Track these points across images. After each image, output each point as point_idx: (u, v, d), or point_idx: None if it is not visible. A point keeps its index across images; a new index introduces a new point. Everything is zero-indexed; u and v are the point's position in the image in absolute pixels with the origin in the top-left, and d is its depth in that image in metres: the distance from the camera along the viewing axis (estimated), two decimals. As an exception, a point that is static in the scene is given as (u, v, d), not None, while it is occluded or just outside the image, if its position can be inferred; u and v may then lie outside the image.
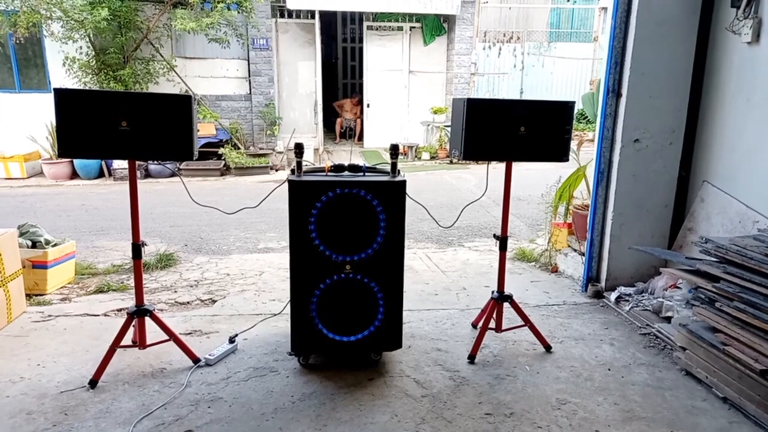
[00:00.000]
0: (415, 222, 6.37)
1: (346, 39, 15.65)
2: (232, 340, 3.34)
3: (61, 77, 10.17)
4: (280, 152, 11.51)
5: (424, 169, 11.40)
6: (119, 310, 3.90)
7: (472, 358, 3.24)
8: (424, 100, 13.12)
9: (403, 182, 2.92)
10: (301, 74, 12.55)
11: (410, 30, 12.95)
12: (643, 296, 4.07)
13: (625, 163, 4.04)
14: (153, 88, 10.73)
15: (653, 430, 2.63)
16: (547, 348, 3.40)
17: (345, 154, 12.36)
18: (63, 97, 2.68)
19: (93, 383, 2.88)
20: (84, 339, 3.44)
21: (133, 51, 10.54)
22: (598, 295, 4.25)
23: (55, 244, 4.33)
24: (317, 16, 11.98)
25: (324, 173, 2.99)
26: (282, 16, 12.08)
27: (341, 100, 14.19)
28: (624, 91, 3.95)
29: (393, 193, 2.90)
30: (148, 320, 3.09)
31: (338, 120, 13.85)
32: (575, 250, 4.76)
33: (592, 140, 4.54)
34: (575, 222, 4.84)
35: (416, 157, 12.57)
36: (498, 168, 3.45)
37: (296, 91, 12.65)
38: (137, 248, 3.00)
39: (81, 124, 2.69)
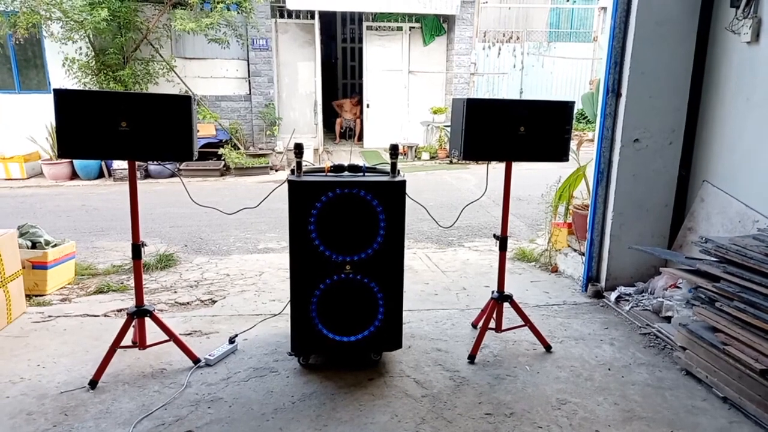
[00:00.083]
0: (415, 222, 6.37)
1: (346, 39, 15.65)
2: (232, 341, 3.34)
3: (61, 78, 10.17)
4: (280, 152, 11.52)
5: (423, 169, 11.40)
6: (119, 310, 3.90)
7: (472, 358, 3.24)
8: (424, 100, 13.12)
9: (403, 182, 2.92)
10: (300, 74, 12.55)
11: (410, 30, 12.95)
12: (643, 296, 4.07)
13: (624, 163, 4.04)
14: (153, 89, 10.74)
15: (653, 429, 2.63)
16: (547, 348, 3.40)
17: (345, 155, 12.36)
18: (63, 97, 2.68)
19: (93, 384, 2.88)
20: (84, 339, 3.44)
21: (132, 51, 10.53)
22: (598, 294, 4.25)
23: (55, 245, 4.33)
24: (317, 16, 11.98)
25: (324, 173, 2.99)
26: (282, 16, 12.08)
27: (341, 100, 14.19)
28: (624, 90, 3.95)
29: (393, 193, 2.90)
30: (148, 321, 3.09)
31: (338, 120, 13.85)
32: (575, 250, 4.76)
33: (592, 140, 4.54)
34: (575, 222, 4.84)
35: (416, 157, 12.57)
36: (498, 168, 3.45)
37: (296, 92, 12.65)
38: (137, 249, 3.00)
39: (81, 124, 2.69)
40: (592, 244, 4.28)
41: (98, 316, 3.82)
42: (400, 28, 12.91)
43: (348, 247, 2.94)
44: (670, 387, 3.00)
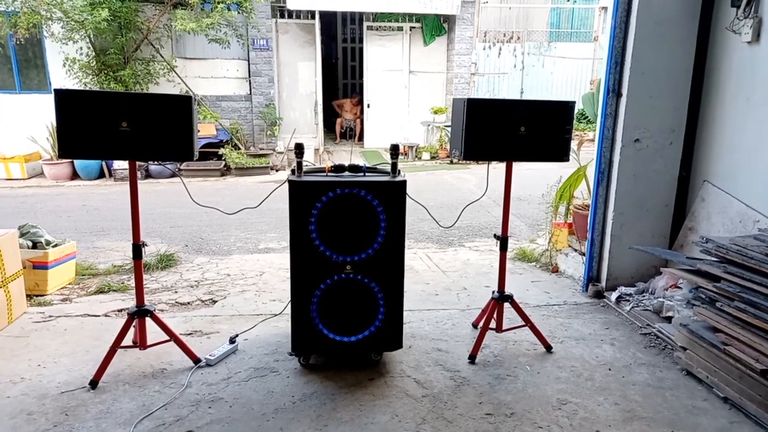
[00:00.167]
0: (416, 222, 6.37)
1: (346, 39, 15.65)
2: (232, 341, 3.34)
3: (62, 78, 10.18)
4: (281, 152, 11.52)
5: (424, 169, 11.40)
6: (120, 310, 3.90)
7: (472, 358, 3.24)
8: (425, 100, 13.12)
9: (404, 182, 2.92)
10: (301, 74, 12.55)
11: (410, 30, 12.95)
12: (643, 296, 4.07)
13: (625, 163, 4.04)
14: (153, 89, 10.74)
15: (654, 430, 2.62)
16: (548, 348, 3.40)
17: (345, 155, 12.36)
18: (63, 97, 2.68)
19: (93, 384, 2.88)
20: (84, 339, 3.44)
21: (133, 51, 10.54)
22: (599, 295, 4.24)
23: (56, 245, 4.33)
24: (317, 16, 11.98)
25: (324, 173, 2.99)
26: (282, 16, 12.09)
27: (341, 100, 14.19)
28: (624, 90, 3.95)
29: (393, 194, 2.90)
30: (148, 321, 3.09)
31: (338, 120, 13.85)
32: (576, 250, 4.76)
33: (593, 140, 4.54)
34: (576, 222, 4.84)
35: (416, 157, 12.57)
36: (498, 168, 3.45)
37: (296, 92, 12.65)
38: (138, 249, 3.00)
39: (81, 124, 2.69)
40: (593, 244, 4.28)
41: (99, 316, 3.82)
42: (400, 28, 12.91)
43: (348, 247, 2.94)
44: (671, 387, 3.00)
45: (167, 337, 3.13)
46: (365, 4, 12.07)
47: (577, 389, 2.97)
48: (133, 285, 3.27)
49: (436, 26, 12.94)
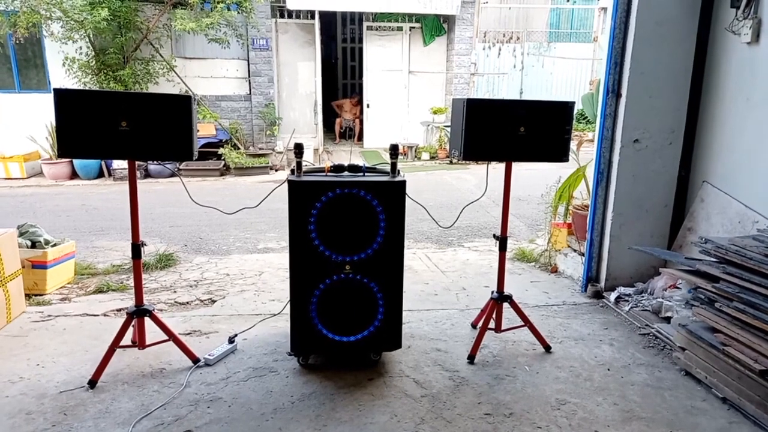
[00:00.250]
0: (415, 222, 6.37)
1: (346, 39, 15.66)
2: (231, 341, 3.34)
3: (61, 77, 10.17)
4: (280, 152, 11.52)
5: (423, 170, 11.40)
6: (119, 310, 3.90)
7: (471, 359, 3.24)
8: (424, 101, 13.12)
9: (403, 182, 2.92)
10: (300, 74, 12.55)
11: (410, 30, 12.96)
12: (642, 296, 4.07)
13: (624, 163, 4.04)
14: (153, 89, 10.73)
15: (653, 430, 2.63)
16: (547, 348, 3.40)
17: (345, 155, 12.36)
18: (63, 97, 2.68)
19: (92, 383, 2.88)
20: (83, 339, 3.44)
21: (132, 51, 10.54)
22: (598, 295, 4.25)
23: (55, 244, 4.33)
24: (317, 16, 11.98)
25: (324, 173, 2.99)
26: (282, 16, 12.09)
27: (340, 100, 14.20)
28: (624, 91, 3.95)
29: (393, 194, 2.90)
30: (147, 320, 3.09)
31: (337, 120, 13.85)
32: (575, 251, 4.76)
33: (592, 140, 4.55)
34: (575, 222, 4.84)
35: (416, 157, 12.58)
36: (498, 168, 3.45)
37: (296, 92, 12.65)
38: (137, 248, 3.00)
39: (81, 124, 2.69)
40: (592, 245, 4.28)
41: (98, 315, 3.82)
42: (400, 28, 12.91)
43: (348, 247, 2.94)
44: (670, 387, 3.00)
45: (166, 337, 3.13)
46: (365, 4, 12.08)
47: (575, 389, 2.97)
48: (132, 284, 3.27)
49: (436, 26, 12.94)
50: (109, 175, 10.04)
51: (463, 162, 11.21)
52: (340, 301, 3.00)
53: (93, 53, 10.23)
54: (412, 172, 10.63)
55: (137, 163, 3.05)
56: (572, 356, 3.34)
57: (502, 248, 3.37)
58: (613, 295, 4.12)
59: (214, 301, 4.16)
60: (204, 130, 10.70)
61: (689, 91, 4.02)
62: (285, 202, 2.84)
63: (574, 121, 3.31)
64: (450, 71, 13.04)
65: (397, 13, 12.49)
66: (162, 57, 10.86)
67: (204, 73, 11.75)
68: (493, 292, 3.42)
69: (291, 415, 2.69)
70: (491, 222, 6.86)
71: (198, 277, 4.74)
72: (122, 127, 2.71)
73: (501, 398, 2.87)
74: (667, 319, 3.67)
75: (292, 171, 2.96)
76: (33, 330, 3.56)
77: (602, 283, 4.26)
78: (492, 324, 3.39)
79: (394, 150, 3.05)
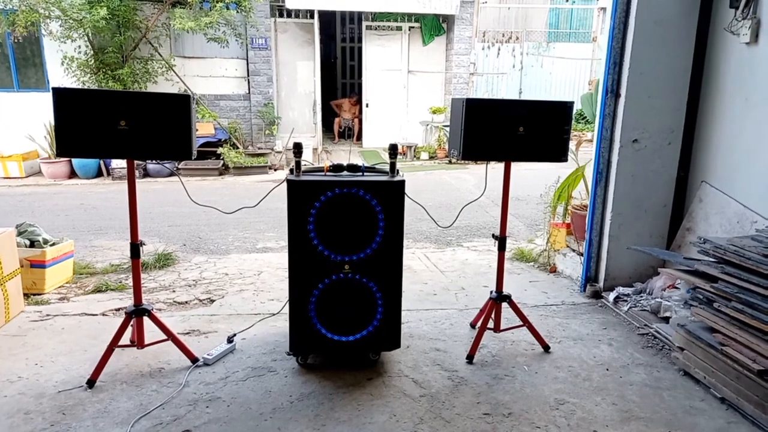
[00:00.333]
0: (414, 222, 6.37)
1: (345, 39, 15.65)
2: (230, 340, 3.34)
3: (60, 76, 10.16)
4: (279, 152, 11.51)
5: (422, 169, 11.40)
6: (117, 309, 3.90)
7: (470, 358, 3.24)
8: (423, 100, 13.13)
9: (402, 182, 2.92)
10: (300, 74, 12.55)
11: (409, 30, 12.95)
12: (641, 296, 4.08)
13: (623, 164, 4.05)
14: (152, 88, 10.73)
15: (651, 430, 2.63)
16: (546, 348, 3.40)
17: (344, 154, 12.36)
18: (62, 96, 2.67)
19: (91, 383, 2.88)
20: (82, 338, 3.44)
21: (131, 50, 10.53)
22: (597, 295, 4.25)
23: (53, 244, 4.32)
24: (316, 15, 11.98)
25: (323, 173, 2.99)
26: (281, 15, 12.08)
27: (339, 100, 14.19)
28: (623, 91, 3.96)
29: (392, 193, 2.90)
30: (146, 320, 3.08)
31: (336, 120, 13.85)
32: (574, 251, 4.77)
33: (591, 140, 4.55)
34: (574, 222, 4.85)
35: (415, 157, 12.57)
36: (497, 168, 3.45)
37: (295, 91, 12.65)
38: (135, 248, 3.00)
39: (80, 123, 2.69)
40: (591, 245, 4.28)
41: (96, 315, 3.82)
42: (399, 28, 12.91)
43: (347, 247, 2.94)
44: (668, 387, 3.00)
45: (165, 337, 3.12)
46: (364, 4, 12.07)
47: (574, 389, 2.97)
48: (131, 284, 3.27)
49: (435, 26, 12.94)
50: (108, 174, 10.03)
51: (462, 162, 11.21)
52: (339, 300, 3.00)
53: (92, 52, 10.22)
54: (411, 172, 10.63)
55: (136, 162, 3.04)
56: (571, 356, 3.34)
57: (501, 248, 3.37)
58: (611, 295, 4.13)
59: (212, 301, 4.15)
60: (203, 129, 10.70)
61: (688, 91, 4.02)
62: (284, 202, 2.83)
63: (573, 121, 3.32)
64: (449, 71, 13.04)
65: (397, 12, 12.49)
66: (161, 56, 10.85)
67: (203, 73, 11.74)
68: (492, 292, 3.42)
69: (290, 414, 2.69)
70: (490, 222, 6.86)
71: (197, 276, 4.74)
72: (121, 127, 2.71)
73: (500, 398, 2.87)
74: (666, 319, 3.68)
75: (291, 170, 2.96)
76: (31, 329, 3.56)
77: (601, 283, 4.27)
78: (491, 324, 3.39)
79: (393, 150, 3.04)
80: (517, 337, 3.53)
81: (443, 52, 13.24)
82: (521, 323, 3.41)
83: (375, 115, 13.19)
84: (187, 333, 3.55)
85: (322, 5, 11.73)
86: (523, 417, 2.71)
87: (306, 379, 3.01)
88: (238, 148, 11.13)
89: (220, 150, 10.60)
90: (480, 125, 3.06)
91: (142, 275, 4.06)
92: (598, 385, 3.01)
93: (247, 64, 11.86)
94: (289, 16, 12.13)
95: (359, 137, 13.53)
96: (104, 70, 10.19)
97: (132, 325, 3.11)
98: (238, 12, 10.61)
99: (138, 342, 3.11)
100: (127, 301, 3.97)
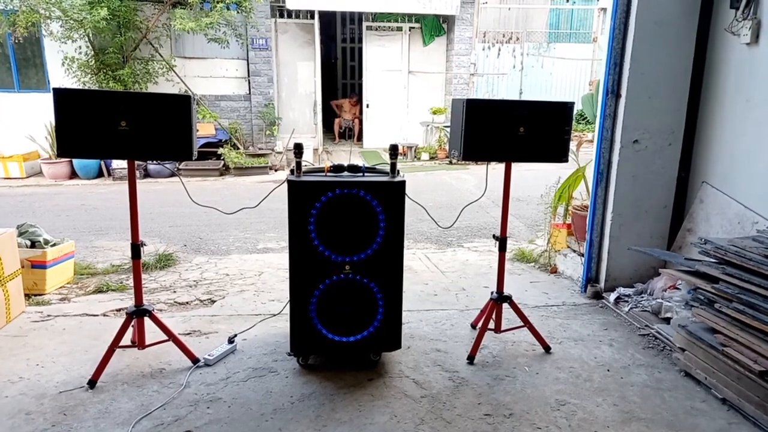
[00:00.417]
0: (415, 222, 6.37)
1: (346, 39, 15.66)
2: (231, 341, 3.34)
3: (60, 77, 10.16)
4: (280, 152, 11.51)
5: (423, 170, 11.40)
6: (118, 310, 3.90)
7: (471, 359, 3.24)
8: (424, 101, 13.13)
9: (403, 182, 2.92)
10: (300, 74, 12.55)
11: (409, 30, 12.96)
12: (642, 297, 4.08)
13: (624, 164, 4.04)
14: (152, 88, 10.73)
15: (652, 431, 2.63)
16: (547, 349, 3.40)
17: (344, 155, 12.36)
18: (62, 96, 2.67)
19: (92, 383, 2.88)
20: (83, 339, 3.44)
21: (132, 51, 10.53)
22: (598, 295, 4.25)
23: (54, 244, 4.32)
24: (317, 16, 11.98)
25: (323, 173, 2.99)
26: (281, 16, 12.08)
27: (339, 100, 14.19)
28: (623, 91, 3.96)
29: (392, 194, 2.90)
30: (147, 320, 3.08)
31: (337, 120, 13.85)
32: (574, 251, 4.77)
33: (592, 141, 4.55)
34: (574, 223, 4.85)
35: (415, 157, 12.58)
36: (497, 168, 3.45)
37: (295, 92, 12.65)
38: (136, 248, 3.00)
39: (80, 123, 2.69)
40: (592, 245, 4.28)
41: (97, 315, 3.82)
42: (399, 29, 12.91)
43: (347, 248, 2.94)
44: (669, 388, 3.00)
45: (166, 337, 3.12)
46: (364, 4, 12.08)
47: (575, 390, 2.97)
48: (132, 284, 3.26)
49: (436, 26, 12.94)
50: (109, 174, 10.04)
51: (463, 162, 11.22)
52: (339, 301, 3.00)
53: (92, 53, 10.22)
54: (412, 173, 10.63)
55: (137, 162, 3.05)
56: (572, 357, 3.34)
57: (502, 249, 3.37)
58: (612, 296, 4.13)
59: (213, 301, 4.15)
60: (203, 129, 10.70)
61: (689, 91, 4.02)
62: (284, 202, 2.83)
63: (573, 122, 3.31)
64: (449, 71, 13.04)
65: (397, 13, 12.49)
66: (161, 57, 10.85)
67: (203, 73, 11.75)
68: (492, 293, 3.42)
69: (291, 415, 2.69)
70: (491, 222, 6.86)
71: (197, 277, 4.74)
72: (122, 127, 2.71)
73: (501, 399, 2.87)
74: (667, 320, 3.68)
75: (292, 171, 2.96)
76: (32, 330, 3.56)
77: (602, 284, 4.27)
78: (492, 324, 3.39)
79: (393, 150, 3.05)
80: (518, 337, 3.53)
81: (443, 53, 13.24)
82: (522, 324, 3.41)
83: (375, 116, 13.19)
84: (188, 333, 3.55)
85: (322, 6, 11.73)
86: (524, 418, 2.71)
87: (307, 379, 3.01)
88: (238, 148, 11.13)
89: (220, 150, 10.61)
90: (480, 126, 3.06)
91: (143, 276, 4.06)
92: (599, 386, 3.01)
93: (248, 64, 11.87)
94: (289, 16, 12.14)
95: (360, 138, 13.53)
96: (105, 70, 10.20)
97: (133, 326, 3.11)
98: (238, 12, 10.61)
99: (139, 342, 3.11)
100: (128, 301, 3.97)
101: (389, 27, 12.88)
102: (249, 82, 11.96)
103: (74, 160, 9.80)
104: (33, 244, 4.24)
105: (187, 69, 11.55)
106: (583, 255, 4.44)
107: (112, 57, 10.19)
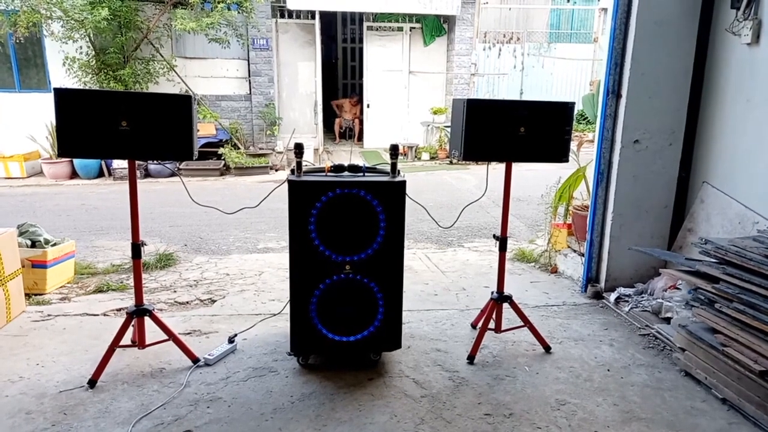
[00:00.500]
0: (415, 222, 6.37)
1: (346, 39, 15.66)
2: (231, 340, 3.34)
3: (61, 77, 10.17)
4: (280, 152, 11.52)
5: (423, 170, 11.40)
6: (118, 309, 3.90)
7: (471, 359, 3.24)
8: (424, 101, 13.13)
9: (403, 182, 2.92)
10: (301, 74, 12.56)
11: (410, 30, 12.96)
12: (642, 297, 4.07)
13: (624, 164, 4.04)
14: (153, 88, 10.74)
15: (652, 431, 2.63)
16: (547, 349, 3.40)
17: (345, 155, 12.36)
18: (63, 96, 2.68)
19: (92, 383, 2.88)
20: (83, 339, 3.44)
21: (133, 51, 10.54)
22: (598, 295, 4.25)
23: (55, 244, 4.32)
24: (317, 16, 11.99)
25: (324, 173, 2.99)
26: (282, 16, 12.09)
27: (340, 100, 14.20)
28: (624, 91, 3.95)
29: (393, 194, 2.90)
30: (147, 320, 3.09)
31: (337, 120, 13.85)
32: (575, 251, 4.77)
33: (592, 141, 4.55)
34: (575, 223, 4.85)
35: (416, 157, 12.58)
36: (498, 168, 3.45)
37: (296, 92, 12.65)
38: (137, 248, 3.00)
39: (81, 123, 2.69)
40: (592, 245, 4.28)
41: (97, 315, 3.82)
42: (400, 29, 12.91)
43: (348, 247, 2.94)
44: (670, 388, 3.00)
45: (166, 337, 3.13)
46: (365, 4, 12.08)
47: (575, 390, 2.97)
48: (132, 284, 3.27)
49: (436, 27, 12.94)
50: (109, 174, 10.05)
51: (463, 162, 11.22)
52: (340, 301, 3.00)
53: (93, 53, 10.23)
54: (412, 173, 10.63)
55: (137, 162, 3.05)
56: (572, 357, 3.34)
57: (502, 248, 3.37)
58: (613, 296, 4.12)
59: (214, 301, 4.16)
60: (204, 129, 10.70)
61: (689, 91, 4.02)
62: (285, 202, 2.84)
63: (574, 122, 3.31)
64: (450, 71, 13.04)
65: (398, 13, 12.49)
66: (162, 57, 10.86)
67: (204, 73, 11.75)
68: (493, 293, 3.42)
69: (291, 415, 2.69)
70: (491, 222, 6.86)
71: (198, 276, 4.74)
72: (122, 127, 2.71)
73: (501, 398, 2.87)
74: (667, 320, 3.67)
75: (292, 171, 2.96)
76: (33, 329, 3.56)
77: (602, 284, 4.27)
78: (492, 324, 3.39)
79: (394, 150, 3.05)
80: (518, 337, 3.53)
81: (444, 53, 13.24)
82: (522, 324, 3.41)
83: (376, 116, 13.19)
84: (188, 333, 3.55)
85: (323, 6, 11.74)
86: (524, 417, 2.71)
87: (307, 379, 3.01)
88: (239, 148, 11.14)
89: (221, 150, 10.61)
90: (481, 126, 3.06)
91: (144, 275, 4.07)
92: (599, 386, 3.01)
93: (249, 64, 11.87)
94: (290, 16, 12.14)
95: (360, 138, 13.53)
96: (105, 70, 10.21)
97: (133, 326, 3.11)
98: (239, 13, 10.62)
99: (139, 342, 3.11)
100: (129, 301, 3.97)
101: (390, 27, 12.88)
102: (250, 82, 11.96)
103: (75, 160, 9.81)
104: (33, 244, 4.24)
105: (188, 69, 11.56)
106: (583, 255, 4.44)
107: (112, 57, 10.20)
